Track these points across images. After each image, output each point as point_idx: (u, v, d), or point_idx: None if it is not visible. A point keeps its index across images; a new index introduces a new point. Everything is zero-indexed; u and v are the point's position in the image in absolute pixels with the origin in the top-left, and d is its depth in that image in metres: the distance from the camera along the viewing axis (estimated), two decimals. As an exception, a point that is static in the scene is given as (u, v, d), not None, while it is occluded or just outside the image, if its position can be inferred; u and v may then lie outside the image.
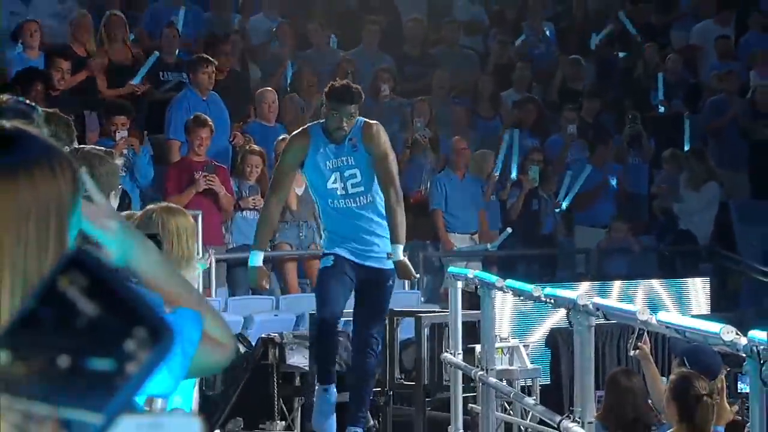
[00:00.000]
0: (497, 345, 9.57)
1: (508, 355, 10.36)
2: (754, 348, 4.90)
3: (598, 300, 7.74)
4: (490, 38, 17.72)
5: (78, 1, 15.35)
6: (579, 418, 7.12)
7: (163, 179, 13.02)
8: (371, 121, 9.29)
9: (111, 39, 14.58)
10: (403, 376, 11.00)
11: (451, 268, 9.87)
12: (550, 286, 9.04)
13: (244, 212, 13.23)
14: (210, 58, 14.10)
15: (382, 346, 9.65)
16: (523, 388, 9.96)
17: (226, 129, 13.93)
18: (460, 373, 9.51)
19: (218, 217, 12.96)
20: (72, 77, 13.52)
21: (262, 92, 14.70)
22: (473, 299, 9.36)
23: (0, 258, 2.15)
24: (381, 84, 15.18)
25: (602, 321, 7.34)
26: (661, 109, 16.59)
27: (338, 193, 9.05)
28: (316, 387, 9.41)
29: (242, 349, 10.91)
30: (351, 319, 9.46)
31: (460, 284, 9.47)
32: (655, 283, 13.37)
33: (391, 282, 9.29)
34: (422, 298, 13.81)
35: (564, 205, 15.15)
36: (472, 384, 9.48)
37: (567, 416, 7.31)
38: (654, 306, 11.48)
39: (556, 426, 7.46)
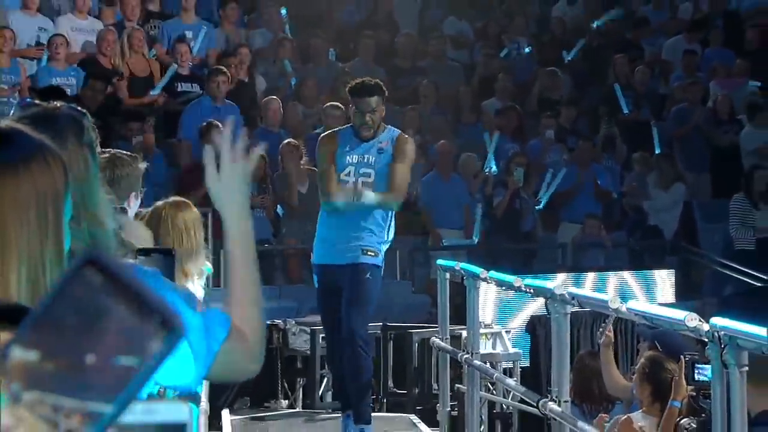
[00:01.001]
0: (482, 331, 9.57)
1: (491, 340, 10.41)
2: (716, 333, 4.86)
3: (573, 290, 7.76)
4: (475, 52, 17.71)
5: (99, 18, 15.26)
6: (556, 397, 7.14)
7: (177, 180, 12.97)
8: (407, 136, 9.14)
9: (133, 52, 14.60)
10: (395, 386, 11.03)
11: (440, 261, 9.80)
12: (530, 277, 9.01)
13: (254, 210, 13.16)
14: (223, 69, 14.30)
15: (371, 344, 9.15)
16: (505, 370, 9.99)
17: (238, 134, 13.87)
18: (448, 356, 9.51)
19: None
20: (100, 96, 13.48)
21: (267, 101, 14.74)
22: (460, 289, 9.27)
23: (7, 244, 2.23)
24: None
25: (577, 309, 7.37)
26: (628, 115, 16.54)
27: (348, 186, 8.68)
28: (341, 415, 9.03)
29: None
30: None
31: (447, 275, 9.44)
32: (626, 275, 13.39)
33: (369, 275, 8.64)
34: (412, 288, 13.88)
35: (543, 203, 15.14)
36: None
37: (545, 396, 7.34)
38: (624, 295, 11.50)
39: (535, 404, 7.48)
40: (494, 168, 14.90)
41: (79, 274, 1.03)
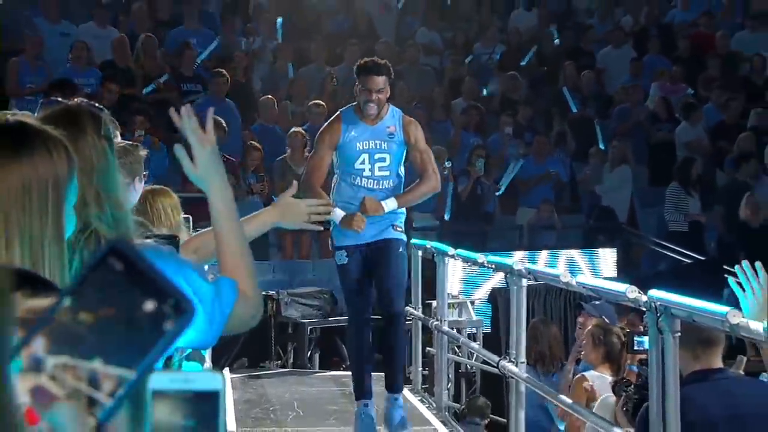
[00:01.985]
0: (449, 301, 9.58)
1: (457, 309, 10.40)
2: (653, 303, 4.88)
3: (529, 266, 7.80)
4: (444, 58, 17.69)
5: (115, 26, 15.22)
6: (513, 359, 7.20)
7: (182, 170, 12.88)
8: (410, 117, 7.97)
9: (146, 55, 14.56)
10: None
11: (413, 240, 9.80)
12: (491, 254, 9.04)
13: (254, 196, 13.17)
14: (223, 71, 14.22)
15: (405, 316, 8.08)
16: (469, 335, 9.97)
17: (238, 129, 13.94)
18: (420, 323, 9.53)
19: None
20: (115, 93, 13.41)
21: (263, 100, 14.70)
22: (431, 264, 9.30)
23: (10, 224, 2.23)
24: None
25: (532, 282, 7.36)
26: (576, 114, 16.56)
27: (365, 174, 7.59)
28: (356, 405, 7.80)
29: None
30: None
31: (420, 253, 9.47)
32: (574, 253, 13.42)
33: (401, 249, 7.70)
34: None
35: (502, 189, 15.16)
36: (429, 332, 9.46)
37: (504, 357, 7.36)
38: (573, 270, 11.49)
39: (495, 365, 7.52)
40: (449, 163, 14.80)
41: (103, 261, 1.03)
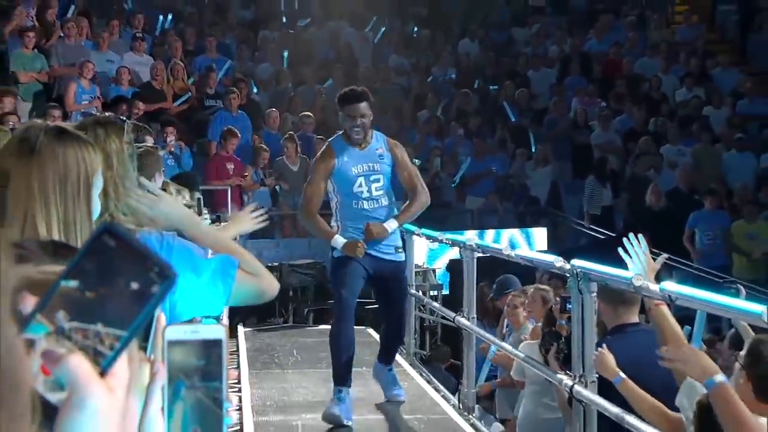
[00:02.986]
0: (416, 269, 9.56)
1: (422, 275, 10.38)
2: (575, 270, 4.87)
3: (478, 242, 7.78)
4: (411, 79, 17.64)
5: (151, 54, 15.11)
6: (466, 314, 7.23)
7: (204, 167, 12.89)
8: (392, 140, 6.96)
9: (175, 78, 14.47)
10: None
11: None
12: (449, 233, 9.02)
13: (264, 187, 13.18)
14: (235, 90, 14.16)
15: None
16: (432, 297, 9.95)
17: (249, 135, 13.91)
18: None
19: (240, 190, 12.88)
20: (147, 105, 13.32)
21: (269, 112, 14.62)
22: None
23: (49, 204, 2.23)
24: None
25: (481, 255, 7.33)
26: (514, 123, 16.54)
27: (363, 195, 6.59)
28: (333, 390, 6.48)
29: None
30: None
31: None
32: (514, 231, 13.42)
33: (406, 272, 7.15)
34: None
35: (456, 182, 15.13)
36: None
37: (459, 313, 7.37)
38: (513, 245, 11.50)
39: (452, 320, 7.49)
40: (417, 161, 14.82)
41: (99, 239, 1.01)
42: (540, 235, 13.53)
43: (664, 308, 4.30)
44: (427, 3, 20.68)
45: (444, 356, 9.65)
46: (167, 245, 2.56)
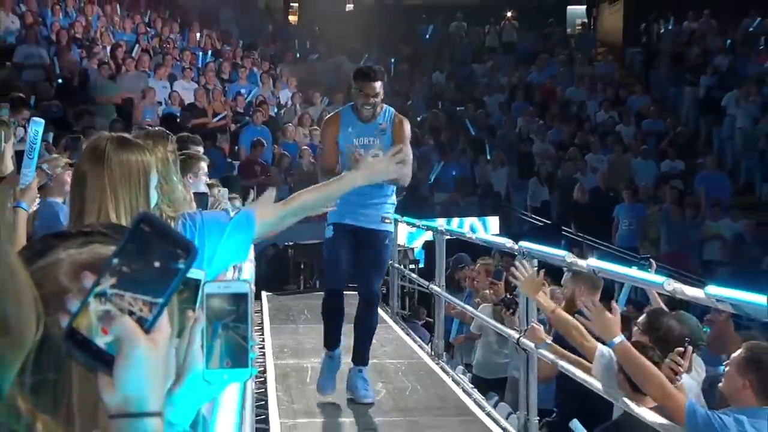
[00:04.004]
0: (398, 248, 9.52)
1: (403, 253, 10.35)
2: (521, 250, 4.86)
3: (446, 227, 7.76)
4: (394, 101, 17.32)
5: (196, 81, 15.01)
6: (437, 283, 7.19)
7: (238, 169, 12.82)
8: (401, 115, 5.60)
9: (214, 100, 14.39)
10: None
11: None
12: (424, 220, 9.00)
13: (285, 185, 13.11)
14: (260, 109, 14.10)
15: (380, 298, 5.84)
16: (411, 269, 9.92)
17: (271, 145, 13.86)
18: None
19: (265, 187, 12.78)
20: (194, 121, 13.24)
21: (285, 126, 14.51)
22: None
23: (117, 198, 2.21)
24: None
25: (449, 237, 7.34)
26: (474, 136, 16.51)
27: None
28: (324, 354, 5.56)
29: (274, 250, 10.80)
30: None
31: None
32: (474, 219, 13.39)
33: (387, 242, 5.52)
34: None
35: (431, 181, 15.03)
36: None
37: (432, 282, 7.35)
38: (473, 230, 11.50)
39: (426, 287, 7.48)
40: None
41: (138, 227, 0.98)
42: (494, 222, 13.51)
43: (559, 311, 4.14)
44: (409, 43, 20.75)
45: (420, 315, 9.65)
46: (199, 223, 2.48)
